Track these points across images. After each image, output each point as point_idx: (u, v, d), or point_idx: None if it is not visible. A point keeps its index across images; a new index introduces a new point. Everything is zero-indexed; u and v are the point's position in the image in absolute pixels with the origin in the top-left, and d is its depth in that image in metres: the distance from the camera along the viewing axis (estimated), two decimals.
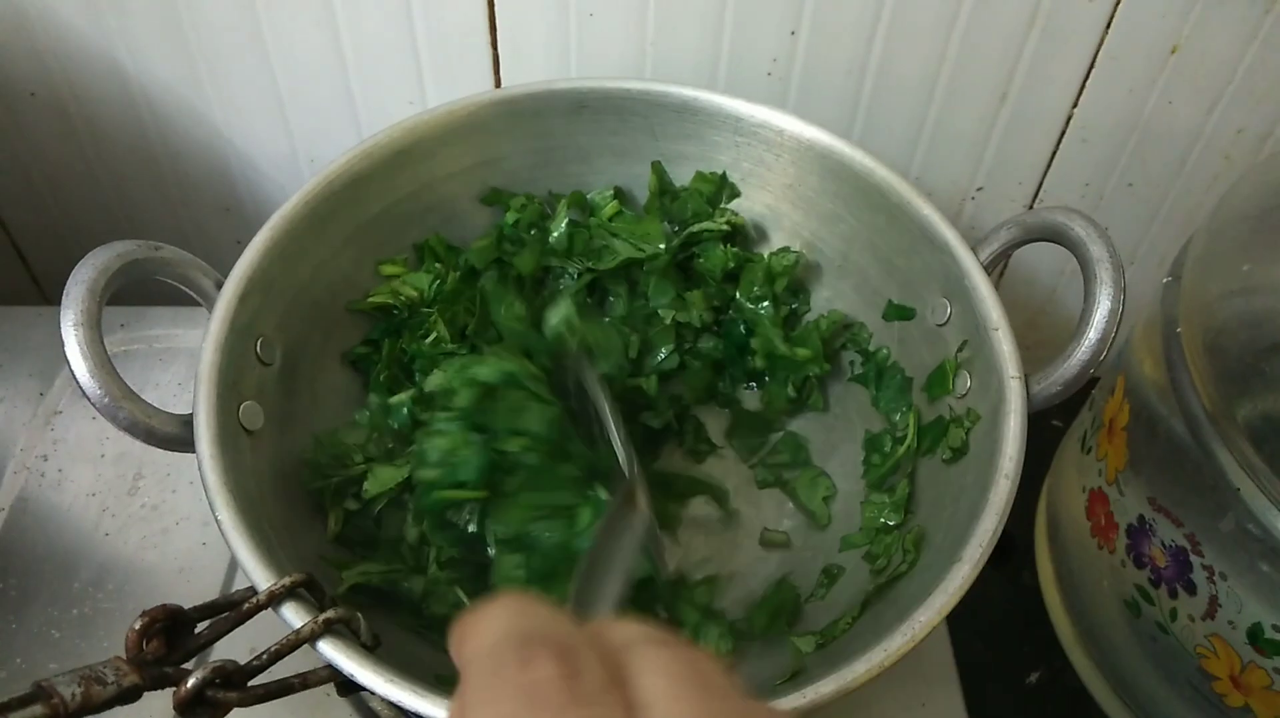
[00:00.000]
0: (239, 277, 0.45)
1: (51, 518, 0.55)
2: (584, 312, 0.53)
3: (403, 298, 0.54)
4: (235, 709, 0.34)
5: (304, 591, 0.37)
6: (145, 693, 0.33)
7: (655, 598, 0.48)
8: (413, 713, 0.35)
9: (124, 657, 0.34)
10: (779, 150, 0.55)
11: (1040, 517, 0.61)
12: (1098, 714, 0.55)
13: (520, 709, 0.18)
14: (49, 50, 0.59)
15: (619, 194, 0.58)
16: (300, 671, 0.36)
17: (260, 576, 0.37)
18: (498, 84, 0.60)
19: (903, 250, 0.52)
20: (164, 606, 0.35)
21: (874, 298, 0.55)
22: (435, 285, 0.54)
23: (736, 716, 0.19)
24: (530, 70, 0.59)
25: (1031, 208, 0.66)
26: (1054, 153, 0.62)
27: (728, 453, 0.57)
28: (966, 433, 0.47)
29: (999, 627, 0.59)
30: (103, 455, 0.57)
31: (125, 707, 0.32)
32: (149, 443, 0.41)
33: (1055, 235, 0.46)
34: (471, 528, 0.45)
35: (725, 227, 0.56)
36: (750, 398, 0.59)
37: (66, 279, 0.41)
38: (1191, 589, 0.44)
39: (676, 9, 0.56)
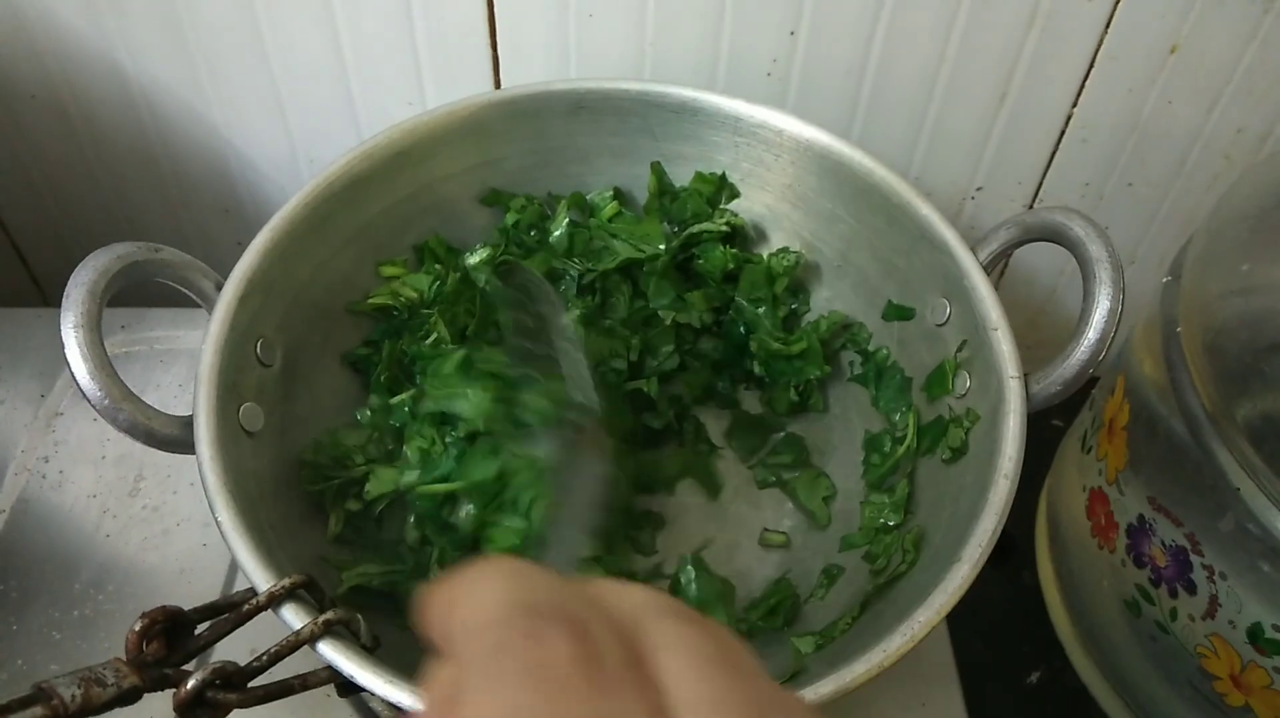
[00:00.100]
0: (239, 278, 0.45)
1: (52, 519, 0.55)
2: (589, 322, 0.54)
3: (402, 299, 0.54)
4: (235, 711, 0.35)
5: (304, 592, 0.37)
6: (145, 694, 0.33)
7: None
8: (412, 714, 0.35)
9: (124, 658, 0.34)
10: (778, 151, 0.55)
11: (1040, 517, 0.61)
12: (1098, 714, 0.55)
13: (534, 697, 0.15)
14: (49, 52, 0.59)
15: (619, 195, 0.58)
16: (300, 672, 0.36)
17: (260, 577, 0.37)
18: (497, 85, 0.60)
19: (902, 250, 0.52)
20: (164, 607, 0.35)
21: (873, 298, 0.55)
22: (435, 287, 0.54)
23: (766, 701, 0.16)
24: (530, 71, 0.59)
25: (1031, 208, 0.66)
26: (1053, 153, 0.62)
27: (727, 453, 0.57)
28: (966, 433, 0.47)
29: (999, 627, 0.59)
30: (104, 457, 0.57)
31: (125, 708, 0.33)
32: (149, 445, 0.41)
33: (1054, 235, 0.46)
34: (469, 527, 0.46)
35: (725, 227, 0.56)
36: (750, 398, 0.59)
37: (67, 281, 0.41)
38: (1191, 589, 0.44)
39: (676, 9, 0.56)
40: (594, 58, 0.59)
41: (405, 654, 0.44)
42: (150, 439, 0.41)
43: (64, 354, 0.40)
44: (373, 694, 0.36)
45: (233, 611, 0.36)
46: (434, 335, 0.53)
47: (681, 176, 0.57)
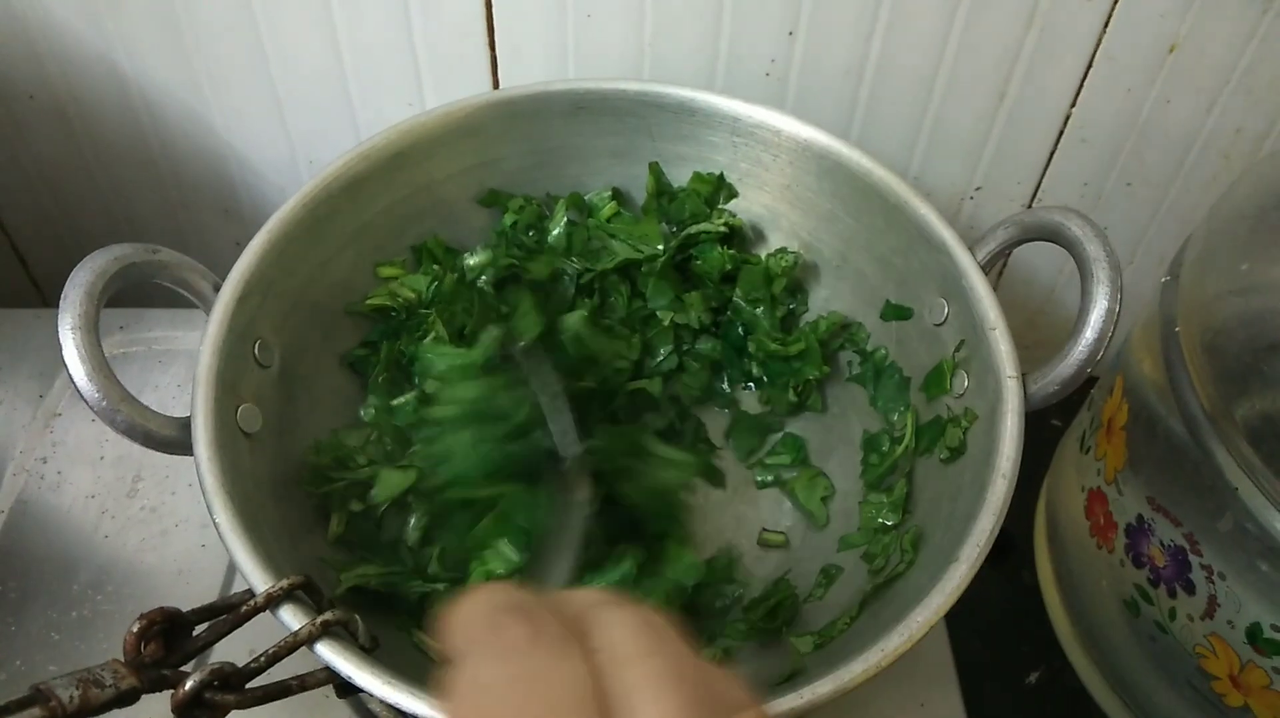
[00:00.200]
0: (237, 279, 0.45)
1: (51, 520, 0.55)
2: (594, 322, 0.54)
3: (400, 300, 0.54)
4: (234, 711, 0.35)
5: (302, 593, 0.37)
6: (143, 696, 0.33)
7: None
8: (411, 715, 0.35)
9: (122, 659, 0.34)
10: (776, 151, 0.55)
11: (1039, 516, 0.61)
12: (1097, 714, 0.55)
13: (497, 666, 0.22)
14: (47, 54, 0.59)
15: (617, 195, 0.58)
16: (299, 672, 0.36)
17: (258, 578, 0.37)
18: (496, 85, 0.60)
19: (900, 250, 0.52)
20: (162, 608, 0.35)
21: (872, 298, 0.55)
22: (433, 287, 0.54)
23: (680, 655, 0.23)
24: (528, 72, 0.59)
25: (1030, 207, 0.66)
26: (1052, 153, 0.62)
27: (727, 453, 0.57)
28: (964, 432, 0.47)
29: (998, 627, 0.59)
30: (102, 458, 0.57)
31: (123, 709, 0.32)
32: (147, 446, 0.41)
33: (1052, 234, 0.46)
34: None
35: (723, 228, 0.56)
36: (749, 398, 0.59)
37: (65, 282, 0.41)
38: (1190, 589, 0.44)
39: (674, 10, 0.56)
40: (592, 58, 0.59)
41: (403, 655, 0.45)
42: (148, 441, 0.41)
43: (61, 356, 0.40)
44: (371, 695, 0.36)
45: (231, 612, 0.36)
46: (432, 335, 0.53)
47: (679, 177, 0.57)
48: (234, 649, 0.37)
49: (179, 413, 0.42)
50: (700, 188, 0.57)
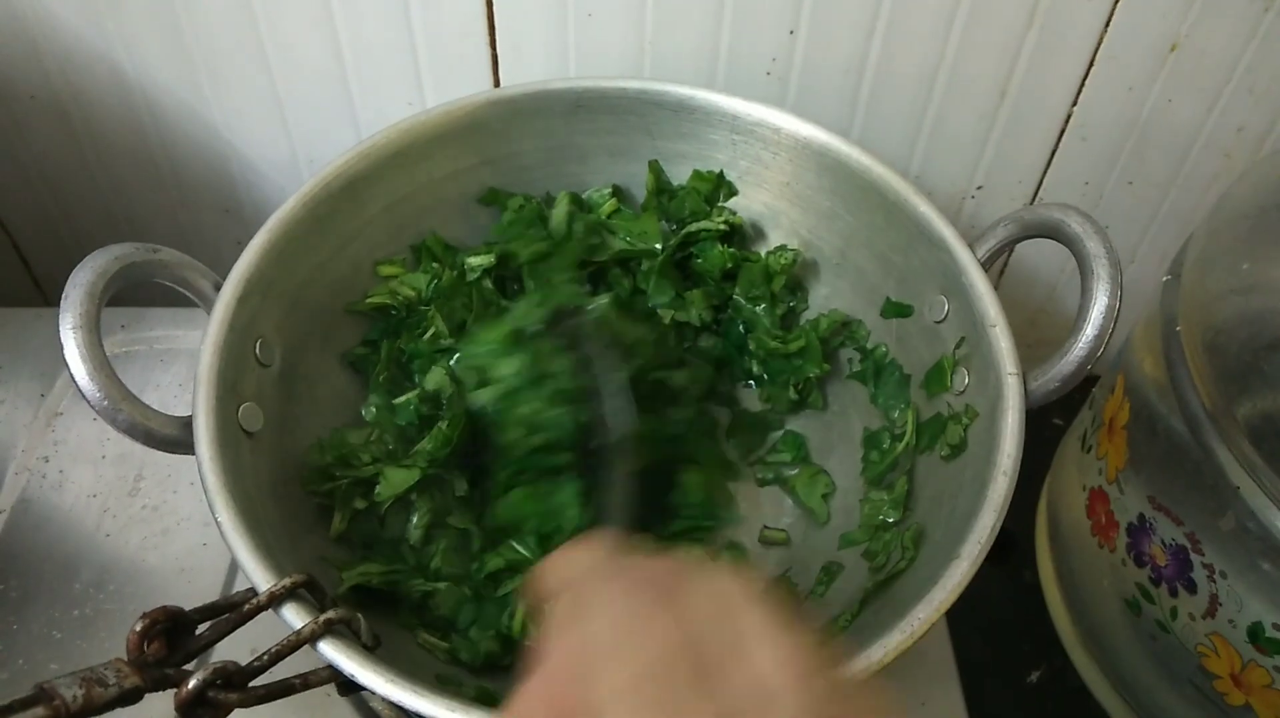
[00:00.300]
0: (237, 279, 0.45)
1: (53, 519, 0.55)
2: (620, 306, 0.54)
3: (400, 298, 0.54)
4: (236, 710, 0.35)
5: (304, 591, 0.37)
6: (146, 694, 0.33)
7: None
8: (414, 713, 0.35)
9: (125, 658, 0.34)
10: (776, 149, 0.55)
11: (1041, 515, 0.61)
12: (1098, 713, 0.55)
13: (604, 613, 0.24)
14: (49, 53, 0.59)
15: (617, 193, 0.58)
16: (301, 671, 0.36)
17: (260, 577, 0.37)
18: (496, 84, 0.60)
19: (900, 248, 0.52)
20: (165, 607, 0.35)
21: (872, 295, 0.55)
22: (432, 284, 0.54)
23: (779, 612, 0.24)
24: (529, 70, 0.59)
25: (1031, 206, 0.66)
26: (1054, 151, 0.62)
27: (728, 451, 0.57)
28: (965, 430, 0.47)
29: (999, 625, 0.59)
30: (103, 457, 0.57)
31: (126, 708, 0.33)
32: (148, 445, 0.41)
33: (1052, 232, 0.46)
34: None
35: (723, 226, 0.56)
36: (749, 396, 0.59)
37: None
38: (1192, 588, 0.44)
39: (675, 9, 0.56)
40: (593, 57, 0.59)
41: (405, 654, 0.45)
42: (149, 440, 0.41)
43: (63, 355, 0.40)
44: (373, 694, 0.36)
45: (233, 610, 0.36)
46: (432, 330, 0.53)
47: (679, 175, 0.57)
48: (236, 648, 0.37)
49: (180, 412, 0.42)
50: (700, 186, 0.57)
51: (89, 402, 0.40)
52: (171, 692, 0.34)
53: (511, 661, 0.47)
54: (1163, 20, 0.55)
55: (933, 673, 0.52)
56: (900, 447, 0.51)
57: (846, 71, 0.59)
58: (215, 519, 0.39)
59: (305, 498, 0.48)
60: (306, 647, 0.36)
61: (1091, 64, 0.57)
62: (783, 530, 0.54)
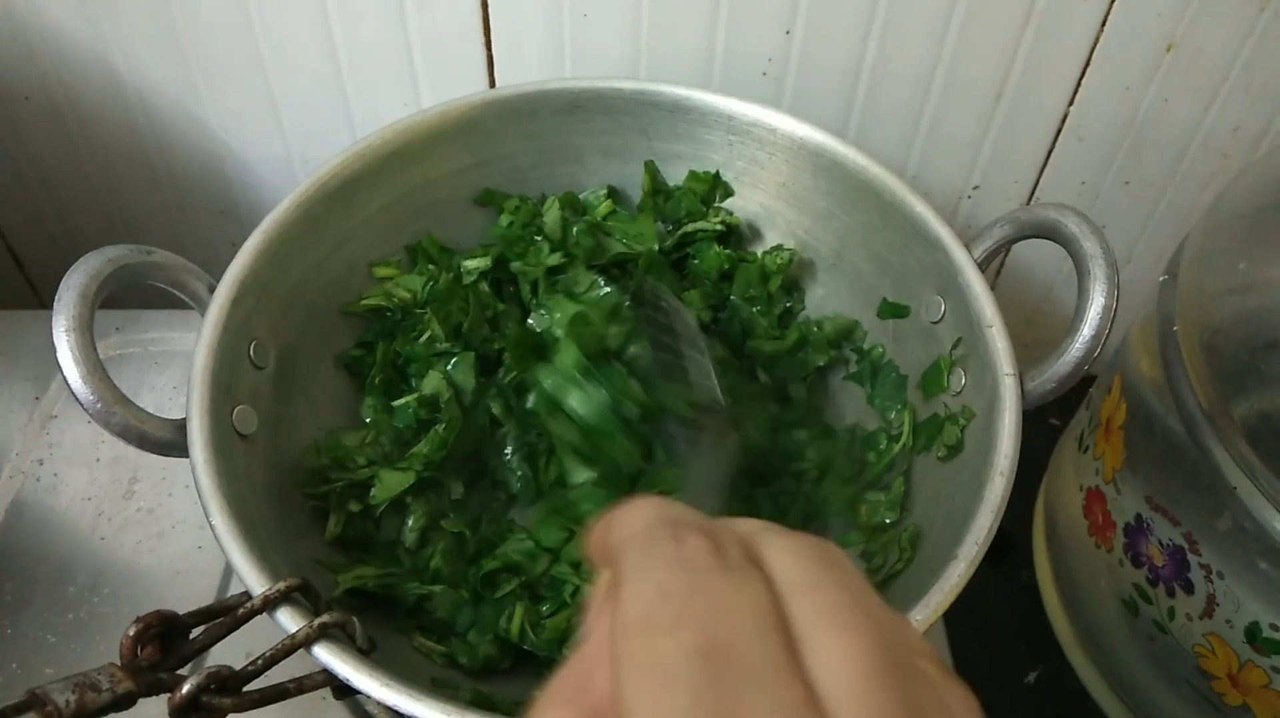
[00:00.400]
0: (231, 280, 0.45)
1: (47, 522, 0.55)
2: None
3: (396, 300, 0.53)
4: (231, 715, 0.34)
5: (299, 595, 0.37)
6: (140, 699, 0.33)
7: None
8: (409, 717, 0.35)
9: (119, 663, 0.33)
10: (772, 149, 0.55)
11: (1038, 516, 0.61)
12: (1096, 714, 0.55)
13: (677, 574, 0.20)
14: (43, 54, 0.59)
15: (613, 194, 0.58)
16: (296, 675, 0.36)
17: (255, 580, 0.37)
18: (492, 85, 0.60)
19: (896, 248, 0.52)
20: (159, 612, 0.35)
21: (868, 296, 0.55)
22: (428, 286, 0.54)
23: (856, 583, 0.21)
24: (525, 71, 0.59)
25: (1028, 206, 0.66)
26: (1050, 151, 0.62)
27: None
28: (962, 430, 0.47)
29: (997, 626, 0.59)
30: (98, 459, 0.57)
31: (120, 713, 0.32)
32: (142, 448, 0.41)
33: (1049, 232, 0.46)
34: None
35: (719, 227, 0.56)
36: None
37: None
38: (1189, 588, 0.44)
39: (671, 10, 0.56)
40: (589, 57, 0.59)
41: (401, 657, 0.44)
42: (143, 443, 0.41)
43: (56, 358, 0.40)
44: (369, 697, 0.35)
45: (228, 614, 0.36)
46: (427, 333, 0.53)
47: (675, 175, 0.57)
48: (231, 652, 0.37)
49: (175, 415, 0.42)
50: (696, 186, 0.57)
51: (82, 405, 0.40)
52: (165, 697, 0.33)
53: (510, 664, 0.47)
54: (1159, 20, 0.55)
55: None
56: (897, 447, 0.51)
57: (843, 72, 0.59)
58: (209, 523, 0.39)
59: (300, 501, 0.48)
60: (301, 651, 0.36)
61: (1088, 64, 0.57)
62: None
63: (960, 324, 0.48)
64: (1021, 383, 0.45)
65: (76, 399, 0.40)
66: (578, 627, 0.23)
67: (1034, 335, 0.72)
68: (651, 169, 0.57)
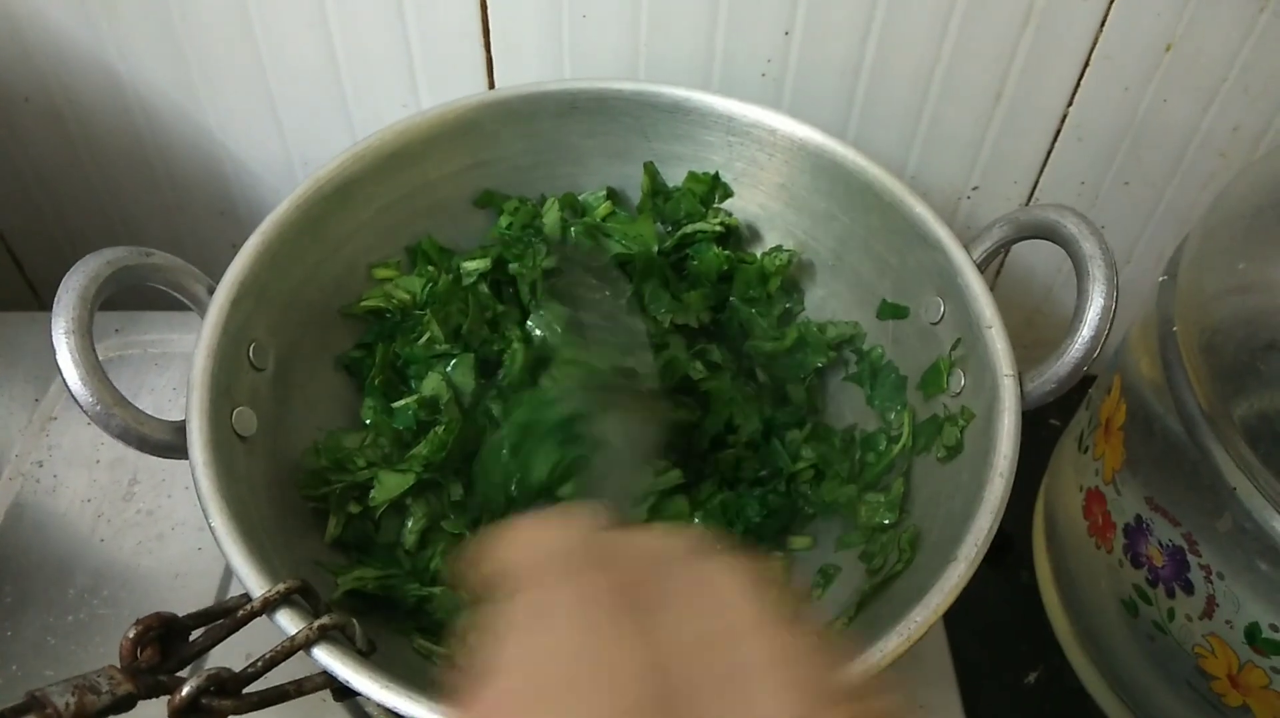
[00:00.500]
0: (230, 282, 0.45)
1: (47, 524, 0.55)
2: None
3: (395, 301, 0.53)
4: (231, 717, 0.34)
5: (299, 597, 0.37)
6: (140, 702, 0.33)
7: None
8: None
9: (118, 665, 0.33)
10: (771, 150, 0.55)
11: (1038, 516, 0.61)
12: (1096, 714, 0.55)
13: (563, 628, 0.19)
14: (42, 55, 0.59)
15: (612, 195, 0.58)
16: (296, 677, 0.36)
17: (254, 582, 0.37)
18: (491, 86, 0.60)
19: (896, 249, 0.52)
20: (158, 614, 0.35)
21: (868, 297, 0.55)
22: (427, 288, 0.54)
23: (782, 632, 0.19)
24: (524, 72, 0.59)
25: (1027, 206, 0.66)
26: (1049, 151, 0.62)
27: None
28: (961, 431, 0.47)
29: (997, 627, 0.59)
30: (98, 461, 0.57)
31: (120, 716, 0.32)
32: (142, 450, 0.41)
33: (1048, 232, 0.46)
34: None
35: (719, 228, 0.56)
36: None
37: None
38: (1189, 589, 0.44)
39: (670, 10, 0.56)
40: (588, 58, 0.59)
41: (401, 659, 0.44)
42: (143, 445, 0.41)
43: (55, 360, 0.40)
44: (369, 699, 0.35)
45: (227, 616, 0.36)
46: (427, 335, 0.53)
47: (675, 176, 0.57)
48: (231, 654, 0.37)
49: (175, 417, 0.42)
50: (695, 187, 0.57)
51: (81, 407, 0.40)
52: (165, 699, 0.33)
53: None
54: (1158, 20, 0.55)
55: (930, 675, 0.52)
56: (897, 448, 0.51)
57: (842, 73, 0.59)
58: (209, 524, 0.39)
59: (300, 502, 0.48)
60: (301, 653, 0.36)
61: (1087, 64, 0.57)
62: None
63: (960, 325, 0.48)
64: (1021, 384, 0.45)
65: (76, 401, 0.40)
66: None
67: (1033, 336, 0.72)
68: (651, 170, 0.57)
